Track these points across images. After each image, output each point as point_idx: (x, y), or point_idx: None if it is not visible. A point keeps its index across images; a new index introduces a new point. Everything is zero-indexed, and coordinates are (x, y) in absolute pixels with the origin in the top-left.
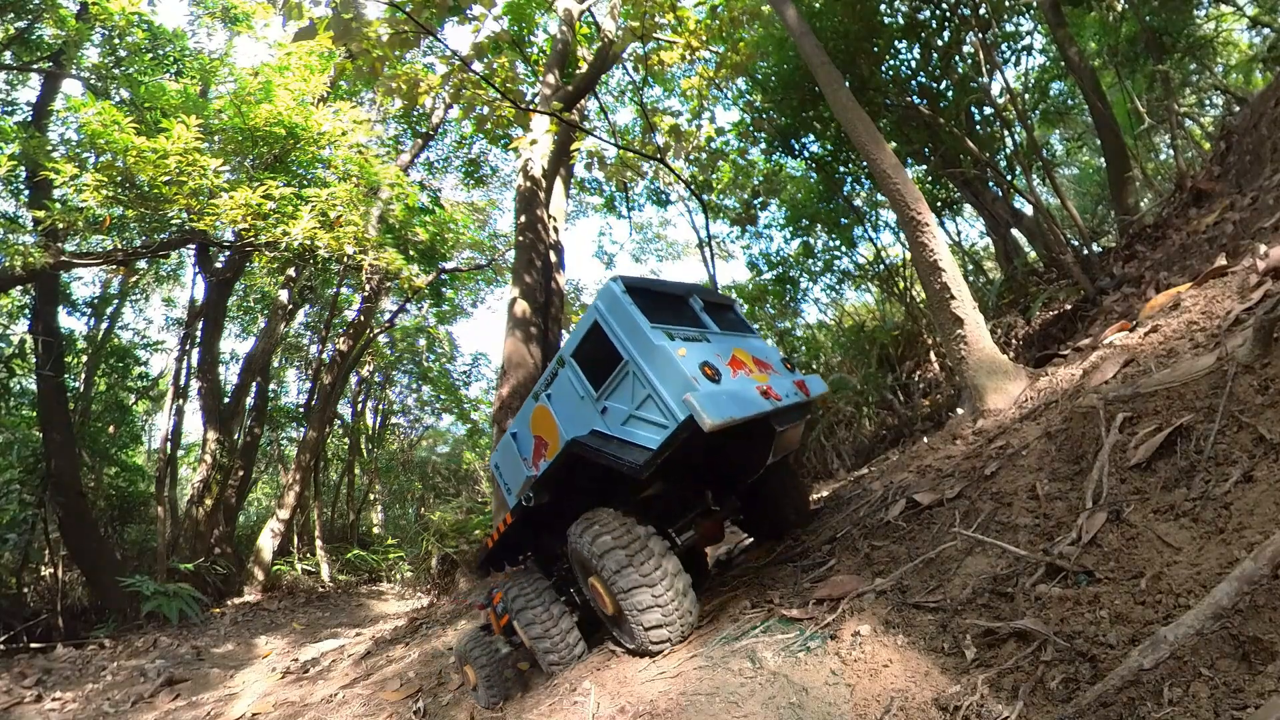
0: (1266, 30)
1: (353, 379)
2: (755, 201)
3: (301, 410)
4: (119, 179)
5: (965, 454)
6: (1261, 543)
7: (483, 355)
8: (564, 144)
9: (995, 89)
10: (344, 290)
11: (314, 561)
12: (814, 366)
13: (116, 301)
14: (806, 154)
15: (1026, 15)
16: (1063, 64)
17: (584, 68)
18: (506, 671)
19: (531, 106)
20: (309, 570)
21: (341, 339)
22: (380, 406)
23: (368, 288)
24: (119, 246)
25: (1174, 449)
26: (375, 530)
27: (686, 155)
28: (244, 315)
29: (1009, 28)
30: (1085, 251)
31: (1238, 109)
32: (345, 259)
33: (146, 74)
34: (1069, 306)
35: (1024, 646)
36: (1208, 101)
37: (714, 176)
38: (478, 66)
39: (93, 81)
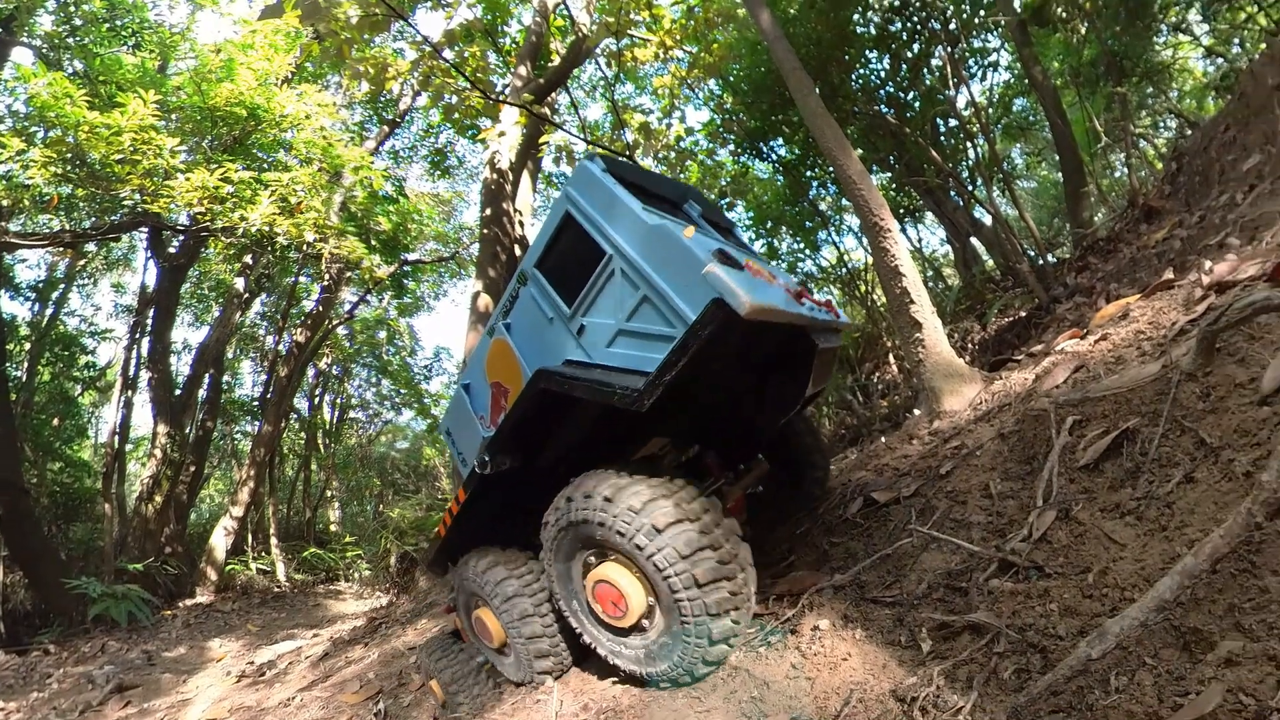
0: (1220, 60)
1: (310, 372)
2: (722, 202)
3: (256, 404)
4: (69, 155)
5: (921, 454)
6: (1201, 540)
7: (444, 349)
8: (533, 137)
9: (961, 102)
10: (302, 279)
11: (269, 561)
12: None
13: (63, 286)
14: (774, 157)
15: (994, 33)
16: (1026, 81)
17: (556, 61)
18: (481, 684)
19: (501, 98)
20: (264, 570)
21: (299, 330)
22: (338, 400)
23: (327, 277)
24: (67, 227)
25: (1120, 451)
26: (332, 528)
27: (656, 153)
28: (197, 303)
29: (977, 44)
30: (1040, 261)
31: (1190, 132)
32: (305, 247)
33: (102, 45)
34: (1024, 314)
35: (978, 639)
36: (1162, 124)
37: (682, 176)
38: (448, 54)
39: (45, 51)
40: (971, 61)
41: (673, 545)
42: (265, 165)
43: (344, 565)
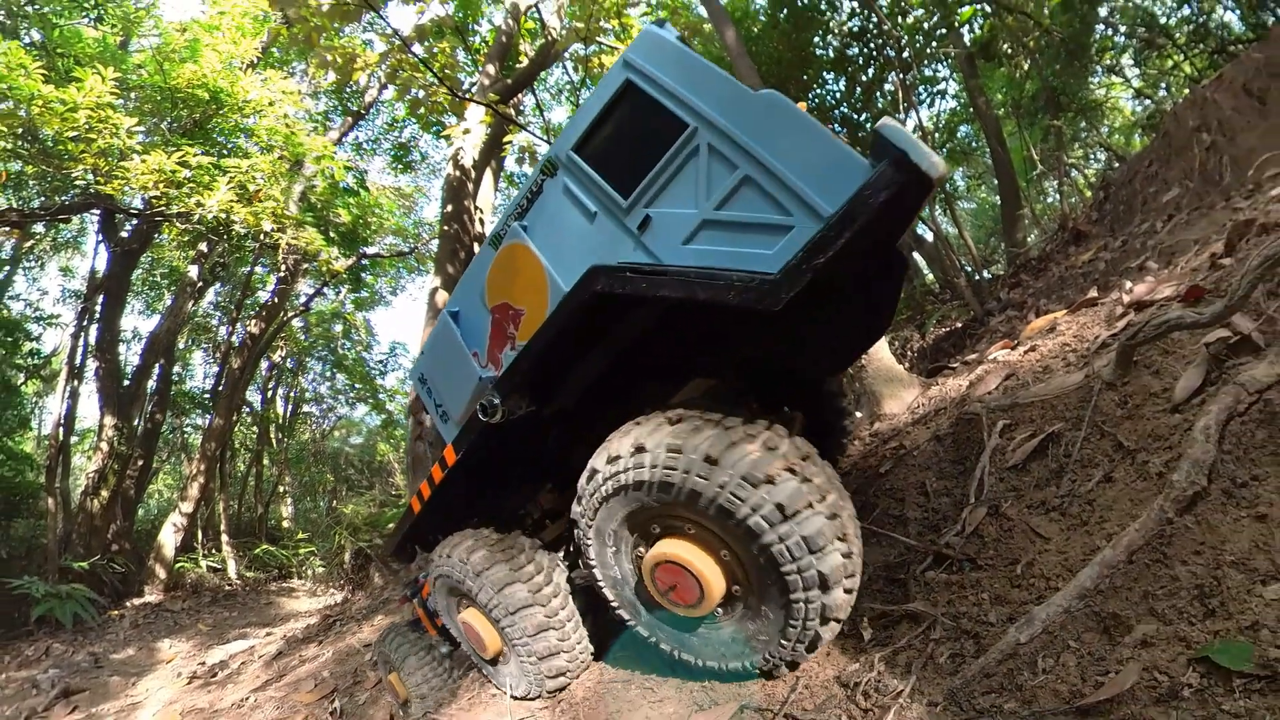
0: (1147, 101)
1: (263, 364)
2: None
3: (208, 396)
4: (20, 130)
5: (862, 454)
6: (1118, 533)
7: (401, 345)
8: (497, 136)
9: (910, 125)
10: (258, 269)
11: (220, 558)
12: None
13: (7, 268)
14: None
15: (944, 63)
16: (971, 110)
17: (525, 63)
18: (442, 677)
19: (468, 95)
20: (214, 567)
21: (253, 321)
22: (292, 394)
23: (284, 268)
24: (14, 206)
25: (1046, 453)
26: (285, 524)
27: None
28: (149, 291)
29: (928, 73)
30: (977, 277)
31: (1117, 165)
32: (262, 236)
33: (63, 16)
34: (960, 325)
35: (915, 627)
36: (1092, 156)
37: None
38: (418, 49)
39: (1, 19)
40: (922, 89)
41: (803, 526)
42: (225, 151)
43: (297, 562)
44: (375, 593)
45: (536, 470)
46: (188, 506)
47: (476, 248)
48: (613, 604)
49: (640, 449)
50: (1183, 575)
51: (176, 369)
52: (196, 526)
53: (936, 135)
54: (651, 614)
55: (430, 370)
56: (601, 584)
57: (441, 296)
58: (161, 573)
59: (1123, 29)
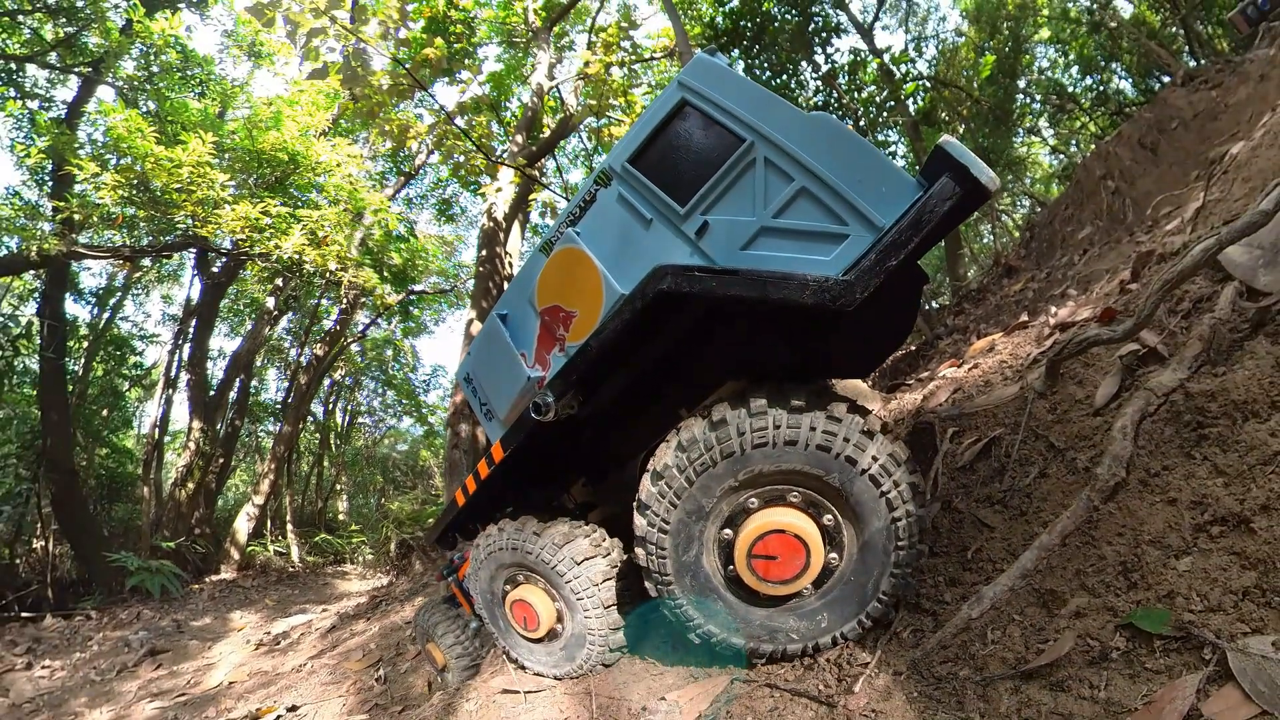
0: (1061, 156)
1: (326, 381)
2: None
3: (279, 406)
4: (135, 181)
5: None
6: (1053, 521)
7: (441, 367)
8: (524, 194)
9: None
10: (324, 302)
11: (285, 544)
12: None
13: (119, 294)
14: None
15: (894, 129)
16: (917, 167)
17: (547, 133)
18: (477, 650)
19: (500, 160)
20: (280, 551)
21: (319, 345)
22: (349, 407)
23: (345, 301)
24: (127, 243)
25: (989, 454)
26: (340, 517)
27: None
28: (233, 317)
29: (881, 137)
30: (927, 307)
31: (1039, 210)
32: (328, 274)
33: (173, 90)
34: (914, 348)
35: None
36: (1018, 203)
37: None
38: (460, 121)
39: (125, 90)
40: None
41: (908, 493)
42: (299, 203)
43: (350, 550)
44: (416, 578)
45: (572, 465)
46: (259, 499)
47: (506, 286)
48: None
49: (762, 413)
50: (1108, 554)
51: (254, 383)
52: (266, 516)
53: None
54: (726, 604)
55: (477, 370)
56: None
57: (476, 327)
58: (235, 554)
59: (1038, 97)
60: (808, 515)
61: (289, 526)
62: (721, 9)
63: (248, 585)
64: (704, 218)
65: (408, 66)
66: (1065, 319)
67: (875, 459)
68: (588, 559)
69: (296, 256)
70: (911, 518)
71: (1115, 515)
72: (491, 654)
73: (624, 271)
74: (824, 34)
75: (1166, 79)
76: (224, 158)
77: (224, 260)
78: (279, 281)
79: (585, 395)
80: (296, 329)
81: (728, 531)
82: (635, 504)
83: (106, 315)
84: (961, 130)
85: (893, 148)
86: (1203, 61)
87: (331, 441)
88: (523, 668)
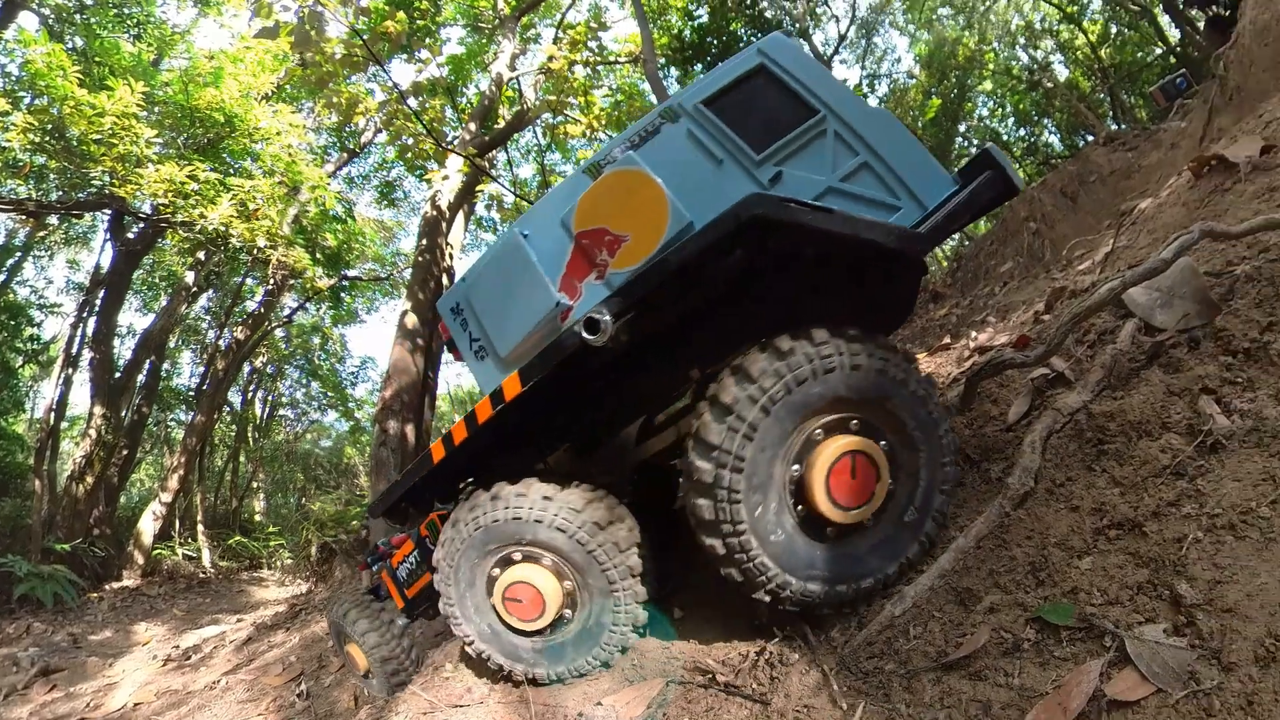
0: None
1: (245, 368)
2: None
3: (192, 393)
4: (49, 126)
5: None
6: (969, 525)
7: (370, 359)
8: (471, 184)
9: None
10: (249, 281)
11: (195, 547)
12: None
13: (19, 254)
14: None
15: None
16: None
17: (501, 124)
18: (406, 651)
19: (450, 147)
20: (190, 555)
21: (240, 328)
22: (269, 397)
23: (272, 282)
24: (33, 196)
25: None
26: (257, 518)
27: None
28: (147, 291)
29: None
30: None
31: (967, 243)
32: (255, 251)
33: (106, 28)
34: None
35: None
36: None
37: None
38: (412, 102)
39: (50, 21)
40: None
41: (944, 412)
42: (231, 170)
43: (267, 554)
44: (338, 584)
45: (567, 425)
46: (167, 496)
47: (445, 279)
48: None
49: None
50: (1018, 555)
51: (165, 366)
52: (175, 516)
53: None
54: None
55: (475, 298)
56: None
57: (411, 319)
58: (140, 558)
59: (975, 141)
60: (872, 440)
61: (200, 527)
62: (691, 23)
63: (153, 594)
64: (777, 168)
65: (365, 38)
66: (984, 343)
67: (920, 382)
68: (612, 523)
69: (223, 228)
70: (951, 435)
71: (1025, 521)
72: (429, 658)
73: (691, 203)
74: None
75: (1090, 138)
76: (153, 111)
77: (142, 226)
78: (201, 255)
79: (638, 322)
80: (216, 309)
81: (796, 468)
82: (692, 447)
83: (1, 278)
84: None
85: None
86: (1123, 126)
87: (249, 434)
88: (505, 673)
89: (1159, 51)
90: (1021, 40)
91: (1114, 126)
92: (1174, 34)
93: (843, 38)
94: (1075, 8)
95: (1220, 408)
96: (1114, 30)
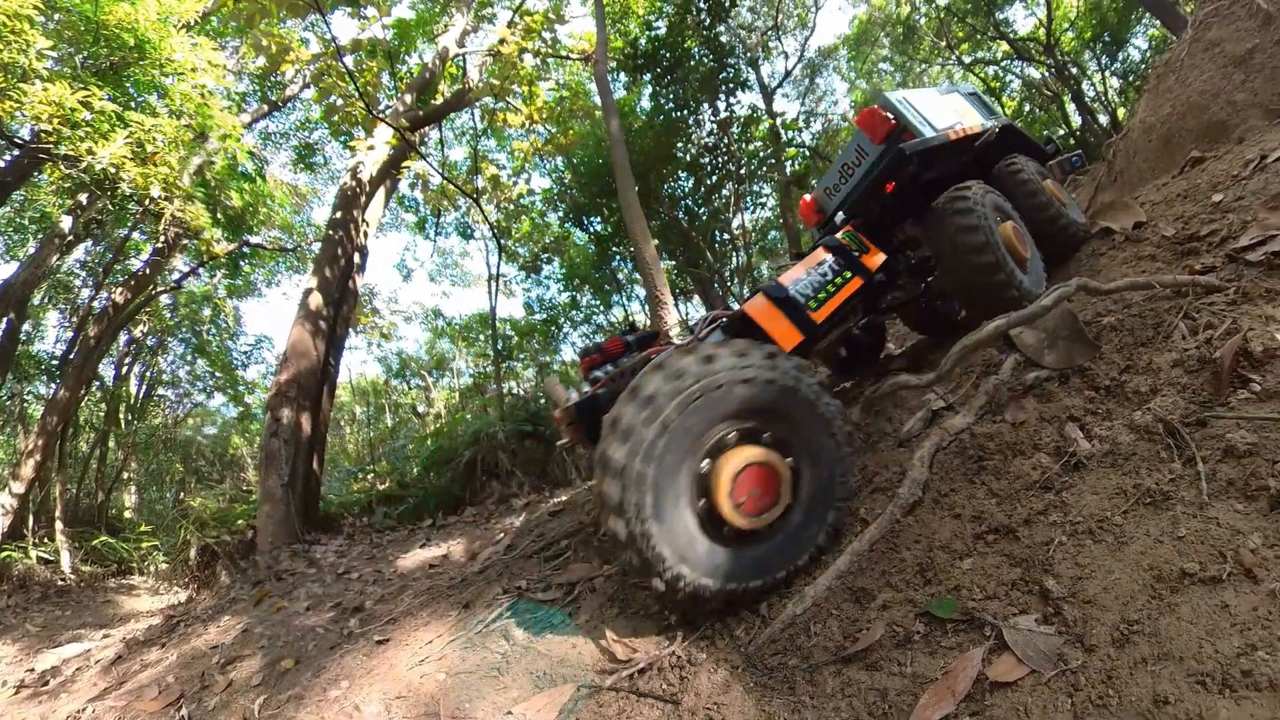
0: None
1: (122, 337)
2: (543, 256)
3: (56, 363)
4: None
5: None
6: (863, 530)
7: (267, 339)
8: (398, 159)
9: (735, 224)
10: (136, 235)
11: (52, 548)
12: (566, 397)
13: None
14: (592, 229)
15: (769, 184)
16: (781, 221)
17: (439, 101)
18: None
19: (381, 115)
20: (46, 559)
21: (119, 289)
22: (148, 374)
23: (163, 239)
24: None
25: None
26: (127, 514)
27: (498, 203)
28: (12, 233)
29: (755, 188)
30: None
31: None
32: (148, 201)
33: None
34: None
35: (714, 609)
36: None
37: (515, 226)
38: (349, 60)
39: None
40: (749, 199)
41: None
42: (133, 104)
43: (139, 557)
44: (221, 592)
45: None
46: (19, 487)
47: (357, 257)
48: None
49: None
50: (908, 557)
51: (26, 327)
52: (28, 510)
53: (753, 235)
54: None
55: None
56: None
57: (315, 299)
58: None
59: None
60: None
61: (59, 525)
62: (648, 33)
63: (1, 605)
64: None
65: None
66: (885, 364)
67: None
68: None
69: (113, 170)
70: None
71: (913, 527)
72: (319, 674)
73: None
74: (731, 84)
75: None
76: (52, 18)
77: (16, 154)
78: (83, 198)
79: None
80: (94, 264)
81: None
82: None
83: None
84: None
85: (764, 199)
86: None
87: (121, 416)
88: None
89: (1062, 132)
90: (946, 82)
91: None
92: (1077, 120)
93: (788, 73)
94: (998, 83)
95: (1083, 433)
96: (1027, 109)
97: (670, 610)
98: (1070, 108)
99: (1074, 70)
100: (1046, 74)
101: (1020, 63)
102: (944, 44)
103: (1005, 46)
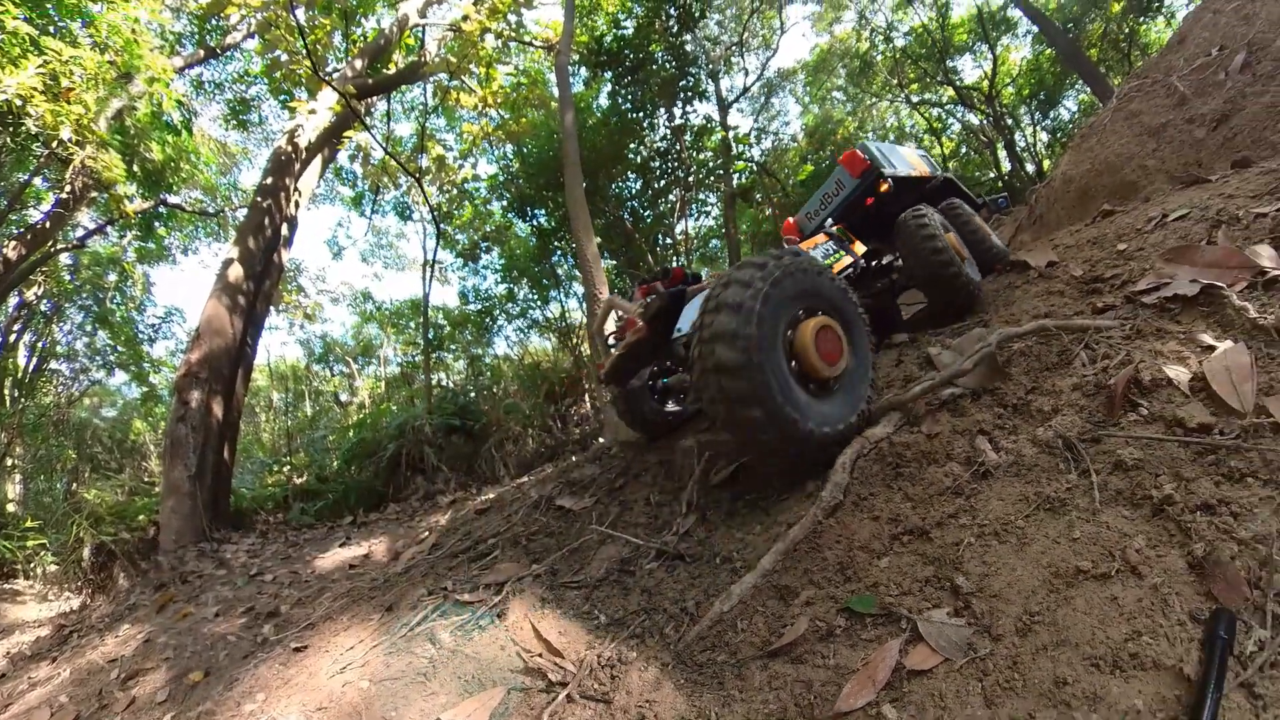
0: None
1: (12, 299)
2: (482, 244)
3: None
4: None
5: (602, 470)
6: (787, 531)
7: (177, 312)
8: (340, 127)
9: (678, 229)
10: (37, 182)
11: None
12: (494, 391)
13: None
14: (535, 222)
15: (714, 194)
16: (723, 231)
17: (392, 70)
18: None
19: (327, 79)
20: None
21: (13, 243)
22: (40, 344)
23: (69, 189)
24: None
25: (738, 478)
26: (10, 507)
27: (441, 185)
28: None
29: (701, 196)
30: None
31: None
32: (55, 144)
33: None
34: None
35: (644, 608)
36: None
37: (457, 212)
38: (301, 14)
39: None
40: (694, 207)
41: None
42: (51, 29)
43: (24, 557)
44: (120, 597)
45: None
46: None
47: (285, 229)
48: None
49: None
50: (829, 556)
51: None
52: None
53: (695, 241)
54: None
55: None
56: None
57: (235, 271)
58: None
59: None
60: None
61: None
62: (615, 31)
63: None
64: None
65: None
66: None
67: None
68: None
69: (19, 102)
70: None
71: (834, 528)
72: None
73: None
74: (689, 93)
75: None
76: None
77: None
78: None
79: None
80: None
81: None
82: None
83: None
84: (769, 212)
85: (709, 208)
86: None
87: (5, 392)
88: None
89: (992, 175)
90: (892, 138)
91: None
92: (1007, 165)
93: (746, 90)
94: (939, 125)
95: (991, 446)
96: (964, 150)
97: (772, 448)
98: (1002, 154)
99: (1010, 121)
100: (985, 121)
101: (962, 108)
102: (896, 82)
103: (951, 92)
